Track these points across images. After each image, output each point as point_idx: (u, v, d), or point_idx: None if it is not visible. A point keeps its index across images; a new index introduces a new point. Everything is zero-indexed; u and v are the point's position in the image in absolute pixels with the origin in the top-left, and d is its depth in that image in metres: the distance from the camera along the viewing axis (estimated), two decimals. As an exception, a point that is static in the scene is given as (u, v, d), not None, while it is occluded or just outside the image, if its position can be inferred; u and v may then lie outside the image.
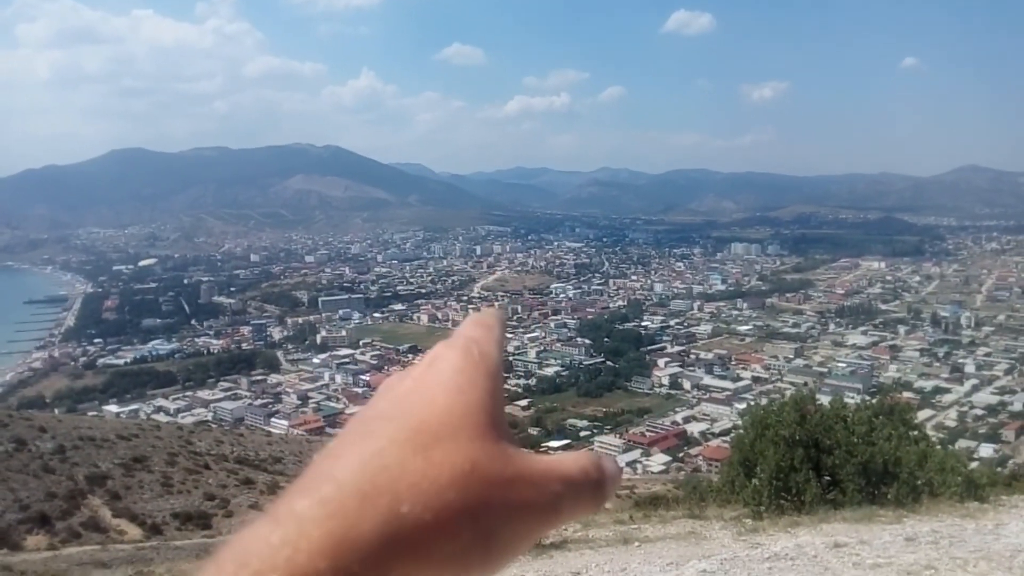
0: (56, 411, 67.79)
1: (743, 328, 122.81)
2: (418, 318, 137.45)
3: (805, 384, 69.07)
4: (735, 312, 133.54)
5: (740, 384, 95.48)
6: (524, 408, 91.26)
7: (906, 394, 71.67)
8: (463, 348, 0.51)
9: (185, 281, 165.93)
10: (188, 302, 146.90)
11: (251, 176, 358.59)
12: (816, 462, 10.07)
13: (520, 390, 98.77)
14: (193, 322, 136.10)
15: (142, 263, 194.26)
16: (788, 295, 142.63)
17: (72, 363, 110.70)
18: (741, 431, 11.68)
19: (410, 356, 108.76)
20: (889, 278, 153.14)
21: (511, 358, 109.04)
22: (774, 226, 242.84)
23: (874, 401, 12.14)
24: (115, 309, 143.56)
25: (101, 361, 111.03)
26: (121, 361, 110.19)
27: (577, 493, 0.47)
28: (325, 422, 76.76)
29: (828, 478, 10.11)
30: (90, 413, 69.18)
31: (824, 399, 11.97)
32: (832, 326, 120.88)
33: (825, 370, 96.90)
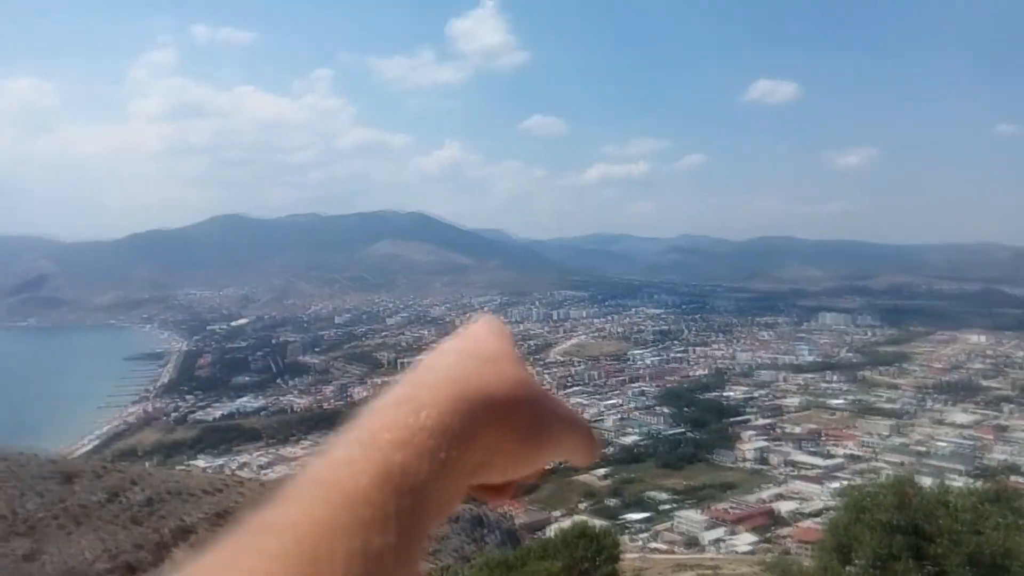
0: (148, 463, 70.54)
1: (835, 402, 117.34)
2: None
3: (903, 464, 65.13)
4: (825, 385, 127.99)
5: (832, 462, 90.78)
6: (601, 478, 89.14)
7: (1014, 478, 66.30)
8: (486, 323, 0.73)
9: (274, 341, 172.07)
10: (276, 361, 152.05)
11: (340, 241, 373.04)
12: (918, 550, 9.39)
13: (598, 459, 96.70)
14: (280, 380, 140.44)
15: (235, 323, 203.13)
16: (882, 368, 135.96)
17: (165, 417, 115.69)
18: (835, 513, 11.08)
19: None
20: (991, 353, 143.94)
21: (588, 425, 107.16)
22: (865, 296, 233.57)
23: (980, 485, 11.31)
24: (208, 366, 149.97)
25: (192, 416, 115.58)
26: (211, 416, 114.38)
27: (583, 430, 0.69)
28: (402, 484, 76.87)
29: (931, 568, 9.40)
30: (179, 467, 71.69)
31: (925, 481, 11.27)
32: (931, 402, 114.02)
33: (924, 449, 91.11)
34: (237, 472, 76.25)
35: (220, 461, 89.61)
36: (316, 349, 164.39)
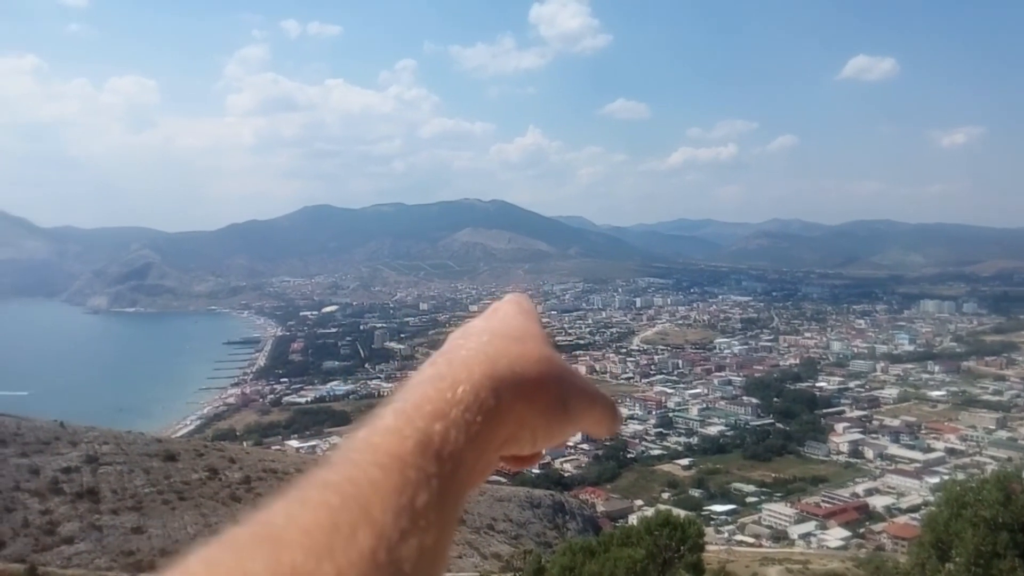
0: (245, 444, 73.99)
1: (935, 393, 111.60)
2: (576, 369, 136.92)
3: (1009, 459, 61.30)
4: (925, 375, 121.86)
5: (932, 456, 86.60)
6: (685, 468, 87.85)
7: None
8: (514, 301, 0.79)
9: (361, 327, 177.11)
10: (363, 346, 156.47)
11: (423, 230, 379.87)
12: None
13: (681, 448, 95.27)
14: (367, 365, 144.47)
15: (325, 310, 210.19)
16: (988, 359, 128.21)
17: (261, 400, 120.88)
18: (934, 509, 10.56)
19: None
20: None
21: (671, 414, 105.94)
22: (970, 282, 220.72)
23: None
24: (300, 351, 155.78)
25: (286, 399, 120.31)
26: (303, 400, 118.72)
27: (606, 404, 0.74)
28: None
29: (1041, 569, 8.81)
30: (274, 447, 74.94)
31: (1035, 478, 10.56)
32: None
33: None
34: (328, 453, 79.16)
35: (312, 443, 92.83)
36: (401, 335, 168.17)
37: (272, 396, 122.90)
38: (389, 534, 0.51)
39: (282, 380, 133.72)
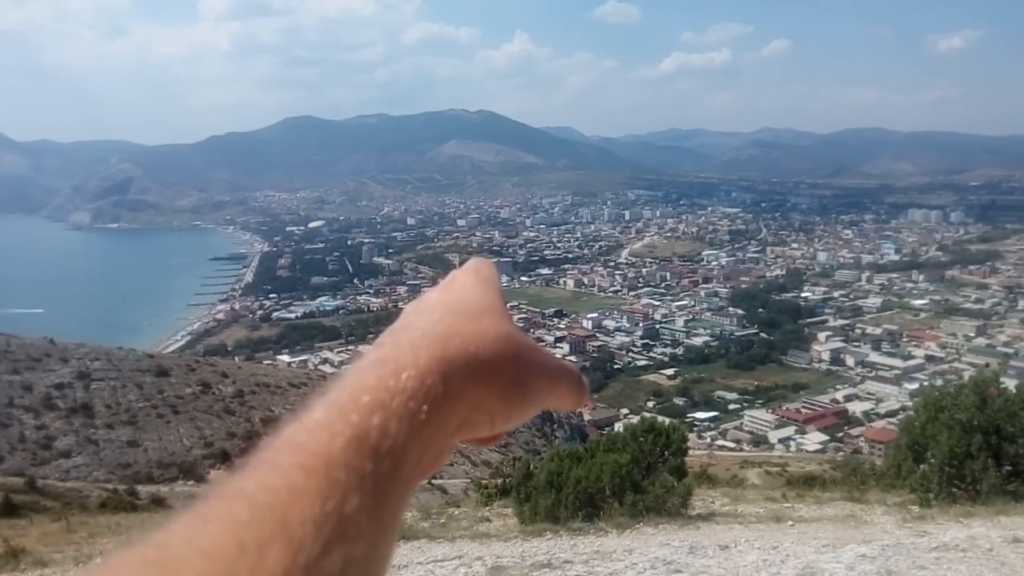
0: (236, 359, 74.70)
1: (918, 302, 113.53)
2: (564, 283, 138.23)
3: (987, 365, 62.92)
4: (909, 285, 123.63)
5: (911, 363, 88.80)
6: (670, 377, 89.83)
7: (1112, 382, 63.43)
8: (472, 270, 0.68)
9: (349, 242, 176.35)
10: (351, 262, 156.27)
11: (409, 142, 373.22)
12: (996, 450, 9.12)
13: (666, 359, 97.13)
14: (355, 281, 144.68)
15: (311, 225, 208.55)
16: (972, 267, 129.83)
17: (250, 315, 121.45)
18: (911, 413, 10.84)
19: (555, 320, 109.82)
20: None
21: (657, 326, 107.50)
22: (959, 191, 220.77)
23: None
24: (288, 267, 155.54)
25: (275, 314, 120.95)
26: (292, 315, 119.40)
27: (571, 378, 0.64)
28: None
29: (1009, 468, 9.13)
30: (265, 362, 75.72)
31: (1009, 383, 10.83)
32: (1022, 303, 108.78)
33: (1011, 351, 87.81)
34: (319, 367, 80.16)
35: (303, 357, 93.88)
36: (389, 250, 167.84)
37: (261, 312, 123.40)
38: (308, 549, 0.43)
39: (270, 296, 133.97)
